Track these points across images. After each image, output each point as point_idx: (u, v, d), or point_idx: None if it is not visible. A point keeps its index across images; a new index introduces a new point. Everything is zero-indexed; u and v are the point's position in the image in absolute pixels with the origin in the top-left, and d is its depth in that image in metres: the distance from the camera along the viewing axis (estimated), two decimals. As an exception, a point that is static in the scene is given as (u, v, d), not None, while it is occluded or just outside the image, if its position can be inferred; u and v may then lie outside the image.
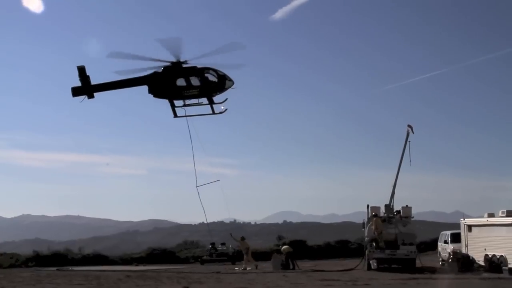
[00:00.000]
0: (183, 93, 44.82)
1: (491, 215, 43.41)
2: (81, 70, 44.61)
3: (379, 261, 44.51)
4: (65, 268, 48.92)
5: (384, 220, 45.67)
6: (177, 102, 45.51)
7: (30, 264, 52.91)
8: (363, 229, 47.67)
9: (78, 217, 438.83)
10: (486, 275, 40.00)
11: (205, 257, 57.43)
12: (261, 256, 57.25)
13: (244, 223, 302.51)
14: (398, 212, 46.50)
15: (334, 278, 38.53)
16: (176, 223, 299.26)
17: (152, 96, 45.30)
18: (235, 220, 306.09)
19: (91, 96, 45.30)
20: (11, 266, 51.10)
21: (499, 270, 40.30)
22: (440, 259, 49.72)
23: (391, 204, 47.06)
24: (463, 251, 45.00)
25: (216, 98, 44.99)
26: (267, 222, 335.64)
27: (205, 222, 52.49)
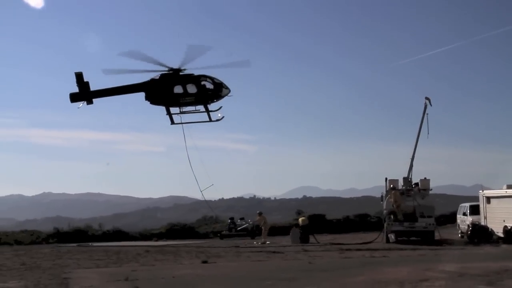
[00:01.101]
0: (180, 101, 45.20)
1: (510, 186, 43.26)
2: (79, 77, 45.10)
3: (398, 233, 44.48)
4: (85, 244, 49.26)
5: (402, 193, 45.57)
6: (174, 109, 45.71)
7: (51, 241, 53.22)
8: (381, 202, 47.61)
9: (99, 194, 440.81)
10: (504, 246, 39.94)
11: (224, 232, 57.58)
12: (280, 230, 57.40)
13: (263, 198, 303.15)
14: (417, 184, 46.36)
15: (352, 250, 38.64)
16: (196, 199, 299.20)
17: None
18: (254, 196, 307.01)
19: (89, 102, 45.59)
20: (32, 243, 51.44)
21: (518, 241, 40.32)
22: (459, 231, 49.63)
23: (410, 177, 46.91)
24: (482, 223, 44.91)
25: (212, 106, 45.04)
26: (287, 197, 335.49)
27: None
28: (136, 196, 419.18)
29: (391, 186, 45.61)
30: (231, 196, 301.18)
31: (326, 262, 32.05)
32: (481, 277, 23.53)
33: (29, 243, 50.68)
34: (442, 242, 42.98)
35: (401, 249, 38.91)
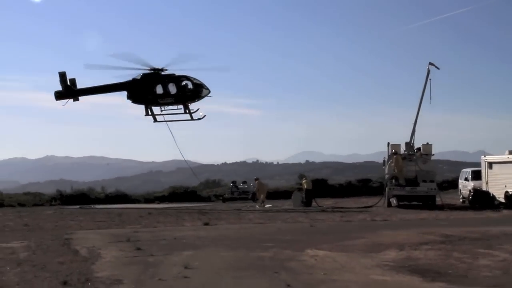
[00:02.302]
0: (160, 100, 46.99)
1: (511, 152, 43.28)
2: (62, 76, 47.26)
3: (399, 198, 44.59)
4: (87, 206, 49.44)
5: (404, 157, 45.60)
6: (156, 108, 47.71)
7: (53, 203, 53.40)
8: (383, 167, 47.70)
9: (102, 158, 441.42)
10: (505, 211, 40.06)
11: (226, 195, 57.74)
12: (283, 194, 57.59)
13: (266, 163, 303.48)
14: (419, 149, 46.39)
15: (353, 214, 38.78)
16: (199, 163, 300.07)
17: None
18: (257, 160, 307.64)
19: (75, 98, 47.90)
20: (35, 205, 51.61)
21: (519, 207, 40.43)
22: (461, 196, 49.76)
23: (412, 142, 46.90)
24: (484, 188, 45.00)
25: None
26: (290, 162, 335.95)
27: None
28: (139, 160, 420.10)
29: (393, 151, 45.62)
30: (234, 161, 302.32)
31: (327, 225, 32.21)
32: (481, 241, 23.64)
33: (32, 205, 50.83)
34: (443, 207, 43.06)
35: (402, 213, 39.06)
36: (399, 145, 46.54)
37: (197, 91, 46.92)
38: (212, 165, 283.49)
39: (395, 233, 26.68)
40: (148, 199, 57.93)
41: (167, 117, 48.33)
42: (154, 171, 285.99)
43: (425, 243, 23.08)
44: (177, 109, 47.67)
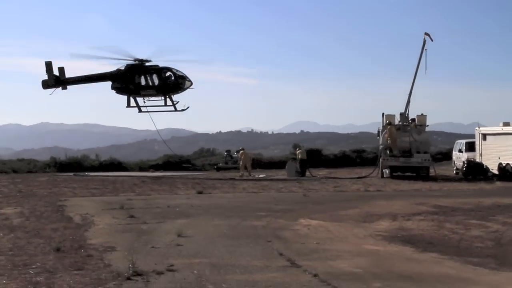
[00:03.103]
0: (142, 91, 48.35)
1: (506, 124, 43.31)
2: (48, 65, 48.62)
3: (393, 169, 44.63)
4: (81, 173, 49.44)
5: (398, 128, 45.59)
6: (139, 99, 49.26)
7: (47, 170, 53.38)
8: (378, 138, 47.73)
9: (96, 125, 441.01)
10: (498, 183, 40.16)
11: (220, 164, 57.74)
12: (277, 164, 57.67)
13: (261, 132, 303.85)
14: (413, 120, 46.38)
15: (347, 185, 38.88)
16: (194, 132, 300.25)
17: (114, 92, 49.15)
18: (252, 130, 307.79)
19: (63, 87, 49.44)
20: (29, 172, 51.62)
21: (512, 179, 40.55)
22: (455, 168, 49.85)
23: (406, 112, 46.85)
24: (477, 160, 45.10)
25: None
26: (284, 132, 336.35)
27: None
28: (133, 127, 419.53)
29: (388, 121, 45.58)
30: (228, 130, 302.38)
31: (320, 195, 32.30)
32: (473, 212, 23.76)
33: (26, 172, 50.84)
34: (437, 178, 43.18)
35: (396, 184, 39.16)
36: (393, 116, 46.51)
37: (180, 83, 48.19)
38: (207, 134, 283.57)
39: (388, 204, 26.78)
40: (142, 168, 57.93)
41: (150, 108, 49.94)
42: (148, 139, 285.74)
43: (418, 213, 23.19)
44: (161, 99, 49.04)
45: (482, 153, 45.03)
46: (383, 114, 46.54)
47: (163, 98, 48.77)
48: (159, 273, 12.76)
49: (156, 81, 47.91)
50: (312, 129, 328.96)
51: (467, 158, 45.58)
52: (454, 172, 49.02)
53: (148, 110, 50.06)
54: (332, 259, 14.53)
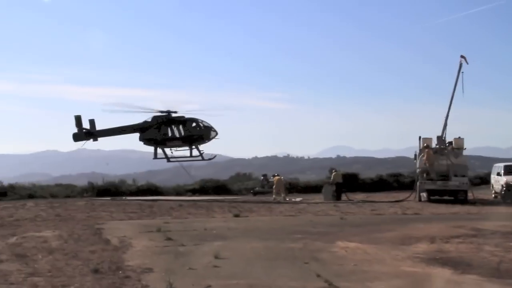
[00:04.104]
0: (169, 142, 50.30)
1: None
2: (78, 119, 50.85)
3: (430, 192, 44.20)
4: (119, 198, 49.68)
5: (436, 151, 45.21)
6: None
7: (85, 195, 53.70)
8: (414, 161, 47.36)
9: (133, 151, 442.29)
10: (538, 206, 39.64)
11: (257, 188, 57.69)
12: (313, 189, 57.53)
13: (297, 157, 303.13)
14: (450, 143, 45.98)
15: (384, 208, 38.65)
16: (230, 157, 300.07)
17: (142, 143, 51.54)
18: (288, 155, 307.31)
19: (94, 139, 51.56)
20: (67, 197, 51.93)
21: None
22: (493, 191, 49.23)
23: (444, 135, 46.50)
24: (516, 183, 44.54)
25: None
26: (320, 156, 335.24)
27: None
28: (169, 153, 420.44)
29: (425, 144, 45.23)
30: (264, 155, 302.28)
31: (357, 218, 32.12)
32: (513, 235, 23.47)
33: (64, 197, 51.17)
34: (475, 202, 42.71)
35: (433, 208, 38.83)
36: (430, 139, 46.15)
37: (205, 134, 50.05)
38: (243, 159, 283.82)
39: (426, 227, 26.56)
40: (179, 192, 58.05)
41: (178, 158, 52.21)
42: (185, 165, 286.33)
43: (457, 236, 22.95)
44: (187, 149, 50.82)
45: (521, 176, 44.48)
46: (420, 137, 46.22)
47: (189, 148, 50.51)
48: (197, 293, 12.78)
49: (182, 132, 49.81)
50: (348, 154, 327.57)
51: (506, 182, 45.01)
52: (493, 195, 48.44)
53: (176, 160, 52.15)
54: (370, 281, 14.45)
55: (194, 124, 49.85)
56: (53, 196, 51.29)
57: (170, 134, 50.07)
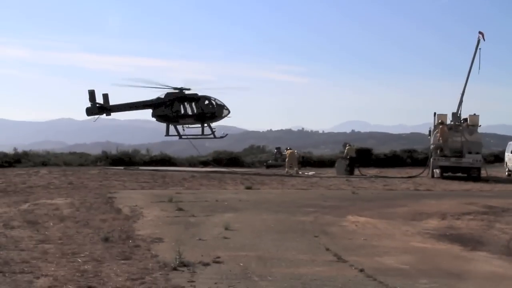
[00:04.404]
0: (181, 120, 50.80)
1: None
2: (91, 94, 51.25)
3: (443, 169, 44.04)
4: (132, 167, 49.81)
5: (450, 128, 44.99)
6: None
7: (98, 163, 53.83)
8: (429, 137, 47.19)
9: (148, 121, 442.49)
10: (552, 185, 39.53)
11: (270, 161, 57.69)
12: (327, 163, 57.53)
13: (311, 131, 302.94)
14: (465, 120, 45.76)
15: (396, 183, 38.62)
16: (244, 129, 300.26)
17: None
18: (302, 129, 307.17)
19: (108, 114, 52.37)
20: (80, 165, 52.06)
21: None
22: (507, 169, 49.10)
23: (459, 112, 46.23)
24: (530, 161, 44.40)
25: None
26: (335, 131, 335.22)
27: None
28: (182, 130, 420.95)
29: (440, 121, 45.02)
30: (279, 128, 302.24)
31: (369, 193, 32.10)
32: (525, 213, 23.42)
33: (78, 165, 51.34)
34: (488, 179, 42.58)
35: (446, 184, 38.77)
36: (445, 115, 45.90)
37: (218, 112, 50.50)
38: (257, 132, 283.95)
39: (438, 203, 26.52)
40: (192, 163, 58.14)
41: (190, 136, 52.65)
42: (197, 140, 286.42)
43: (468, 213, 22.90)
44: (199, 127, 51.24)
45: (535, 154, 44.32)
46: (434, 113, 46.00)
47: (201, 126, 50.99)
48: (205, 264, 12.84)
49: (195, 110, 50.14)
50: (363, 129, 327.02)
51: (520, 159, 44.89)
52: (506, 173, 48.31)
53: (188, 138, 52.55)
54: (379, 255, 14.47)
55: (206, 102, 50.27)
56: (67, 164, 51.44)
57: (182, 111, 50.52)
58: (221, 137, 53.61)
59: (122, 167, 49.23)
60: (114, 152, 58.51)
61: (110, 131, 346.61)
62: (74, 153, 61.17)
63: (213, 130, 51.29)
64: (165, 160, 58.05)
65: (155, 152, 62.81)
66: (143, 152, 62.55)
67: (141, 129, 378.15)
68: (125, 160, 55.28)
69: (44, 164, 50.41)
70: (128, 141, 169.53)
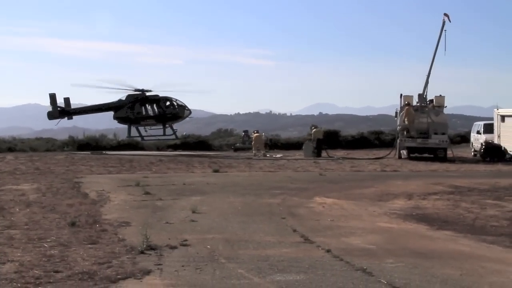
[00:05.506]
0: (142, 121, 51.34)
1: (525, 105, 42.95)
2: (52, 98, 50.84)
3: (410, 150, 44.29)
4: (99, 152, 49.56)
5: (416, 109, 45.21)
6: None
7: (65, 149, 53.49)
8: (395, 119, 47.42)
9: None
10: (517, 165, 39.95)
11: (238, 144, 57.68)
12: (294, 146, 57.62)
13: (279, 114, 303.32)
14: (431, 101, 46.00)
15: (364, 165, 38.80)
16: (212, 113, 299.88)
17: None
18: (270, 111, 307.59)
19: (69, 117, 52.06)
20: (47, 150, 51.71)
21: (530, 161, 40.30)
22: (472, 149, 49.54)
23: (425, 93, 46.44)
24: (495, 141, 44.79)
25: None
26: (303, 113, 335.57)
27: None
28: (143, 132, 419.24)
29: (406, 102, 45.20)
30: (247, 111, 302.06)
31: (336, 174, 32.23)
32: (490, 192, 23.65)
33: (44, 151, 50.97)
34: (454, 160, 42.97)
35: (413, 165, 39.01)
36: (411, 97, 46.11)
37: (179, 113, 51.41)
38: (225, 115, 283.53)
39: (405, 183, 26.72)
40: (159, 147, 57.94)
41: (152, 137, 53.73)
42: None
43: (434, 193, 23.12)
44: (160, 128, 52.05)
45: (501, 135, 44.70)
46: (401, 95, 46.19)
47: (162, 127, 51.66)
48: (173, 247, 12.82)
49: (156, 111, 50.83)
50: (330, 111, 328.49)
51: (485, 140, 45.25)
52: (472, 154, 48.73)
53: (150, 139, 53.35)
54: (346, 236, 14.54)
55: (168, 103, 50.99)
56: (33, 149, 51.11)
57: (144, 113, 51.08)
58: (183, 137, 55.18)
59: (89, 152, 48.99)
60: (81, 137, 58.22)
61: (77, 116, 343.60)
62: (40, 139, 60.70)
63: (175, 130, 52.11)
64: (133, 145, 57.77)
65: (122, 137, 62.49)
66: (110, 136, 62.25)
67: (108, 114, 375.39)
68: (92, 144, 55.06)
69: (10, 150, 50.05)
70: (95, 126, 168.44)
